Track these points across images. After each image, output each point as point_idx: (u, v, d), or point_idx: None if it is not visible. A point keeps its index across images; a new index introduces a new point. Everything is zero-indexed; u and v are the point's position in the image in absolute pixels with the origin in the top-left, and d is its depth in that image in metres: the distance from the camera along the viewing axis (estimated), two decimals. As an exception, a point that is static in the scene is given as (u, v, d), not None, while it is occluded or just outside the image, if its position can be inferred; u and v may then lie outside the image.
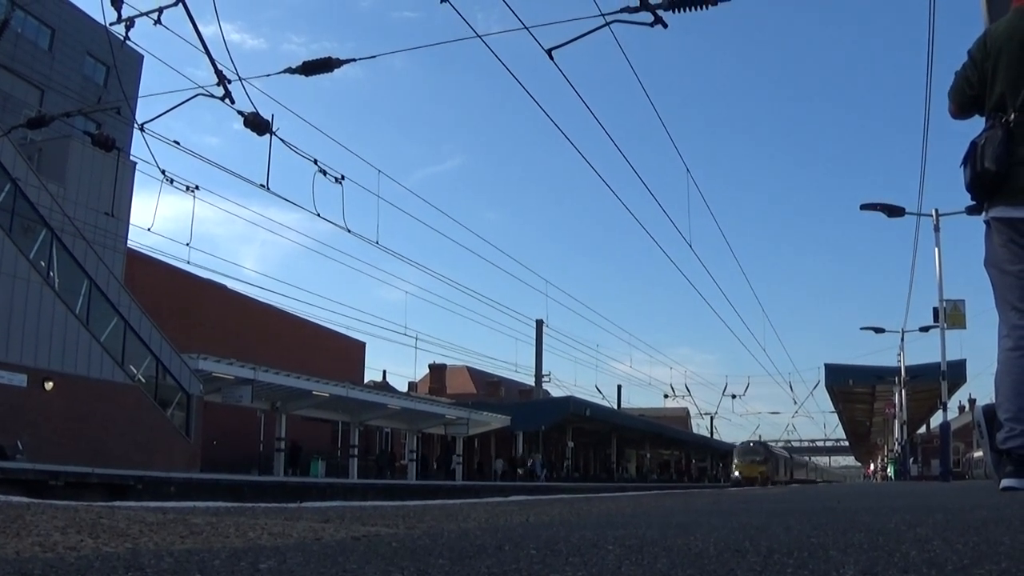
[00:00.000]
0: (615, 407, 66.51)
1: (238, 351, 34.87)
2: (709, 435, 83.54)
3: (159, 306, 32.31)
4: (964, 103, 4.70)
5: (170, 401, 30.01)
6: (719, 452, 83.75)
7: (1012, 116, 4.30)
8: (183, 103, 12.60)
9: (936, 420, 39.86)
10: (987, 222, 4.52)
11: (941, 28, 16.84)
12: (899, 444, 42.00)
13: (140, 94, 25.82)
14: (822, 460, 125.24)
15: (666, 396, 46.89)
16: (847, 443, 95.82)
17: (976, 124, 4.67)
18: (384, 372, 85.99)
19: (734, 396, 56.34)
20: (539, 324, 33.06)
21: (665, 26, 9.35)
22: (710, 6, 9.46)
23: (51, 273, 26.50)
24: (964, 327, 26.41)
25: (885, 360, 48.86)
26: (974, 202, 4.66)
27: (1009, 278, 4.40)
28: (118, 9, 10.85)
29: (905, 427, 41.10)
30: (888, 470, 54.82)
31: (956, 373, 34.74)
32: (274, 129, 12.33)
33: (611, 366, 67.86)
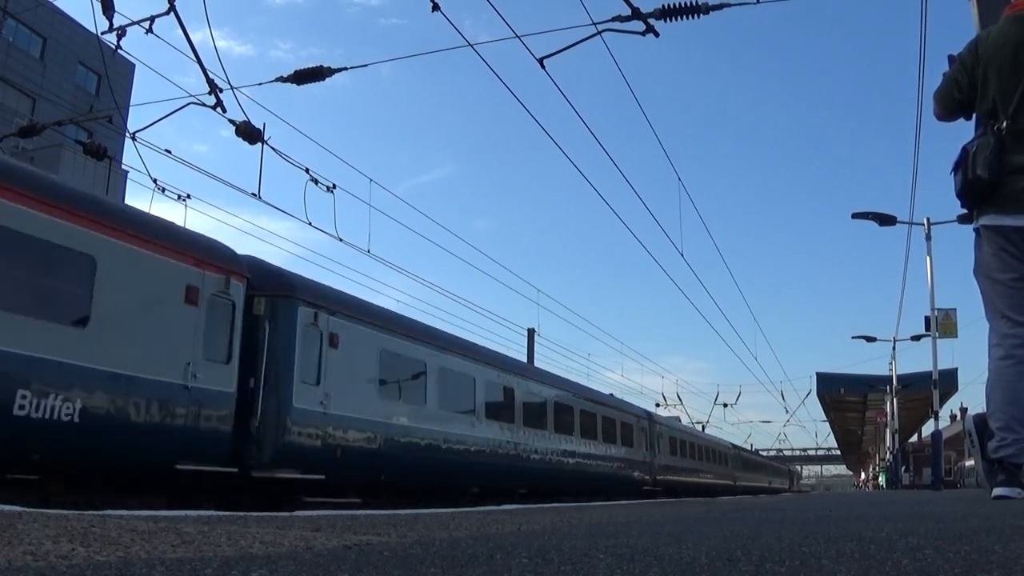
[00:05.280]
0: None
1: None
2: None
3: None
4: (951, 106, 4.68)
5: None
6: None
7: (1004, 124, 4.29)
8: (175, 112, 12.55)
9: (928, 429, 39.86)
10: (977, 230, 4.50)
11: (933, 35, 16.96)
12: (891, 453, 42.03)
13: (132, 103, 25.70)
14: (814, 468, 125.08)
15: (658, 405, 46.80)
16: (839, 452, 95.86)
17: (967, 131, 4.66)
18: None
19: (726, 405, 56.06)
20: (530, 333, 32.93)
21: (657, 35, 9.37)
22: (701, 15, 9.49)
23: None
24: (956, 336, 26.47)
25: (877, 369, 48.94)
26: (965, 209, 4.66)
27: (999, 287, 4.39)
28: (110, 18, 10.83)
29: (897, 436, 41.12)
30: (880, 479, 54.85)
31: (948, 382, 34.81)
32: (266, 138, 12.29)
33: (603, 375, 67.69)
